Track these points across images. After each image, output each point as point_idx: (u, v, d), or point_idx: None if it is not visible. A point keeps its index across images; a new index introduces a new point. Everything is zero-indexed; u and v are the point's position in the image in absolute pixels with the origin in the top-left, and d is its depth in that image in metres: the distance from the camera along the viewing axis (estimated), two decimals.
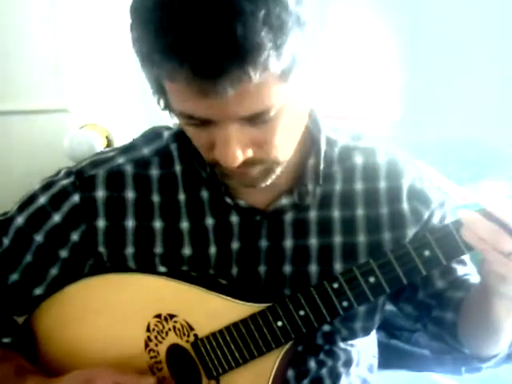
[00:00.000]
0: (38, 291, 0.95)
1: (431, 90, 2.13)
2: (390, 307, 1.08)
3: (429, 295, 0.96)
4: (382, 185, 0.94)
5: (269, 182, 0.84)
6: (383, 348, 1.17)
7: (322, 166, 0.91)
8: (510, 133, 2.03)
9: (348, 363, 1.01)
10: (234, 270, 0.92)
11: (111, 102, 1.72)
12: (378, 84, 2.17)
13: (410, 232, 0.94)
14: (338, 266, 0.92)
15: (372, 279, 0.83)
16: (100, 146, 1.61)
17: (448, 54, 2.09)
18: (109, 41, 1.68)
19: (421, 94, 2.13)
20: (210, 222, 0.92)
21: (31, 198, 0.94)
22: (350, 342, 1.00)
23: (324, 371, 0.98)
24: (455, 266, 0.96)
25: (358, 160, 0.95)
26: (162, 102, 0.78)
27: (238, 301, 0.89)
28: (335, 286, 0.84)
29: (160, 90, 0.76)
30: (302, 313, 0.86)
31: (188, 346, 0.91)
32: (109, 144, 1.66)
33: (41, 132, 1.72)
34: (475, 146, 2.08)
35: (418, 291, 0.97)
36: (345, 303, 0.84)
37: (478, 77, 2.08)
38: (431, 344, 1.00)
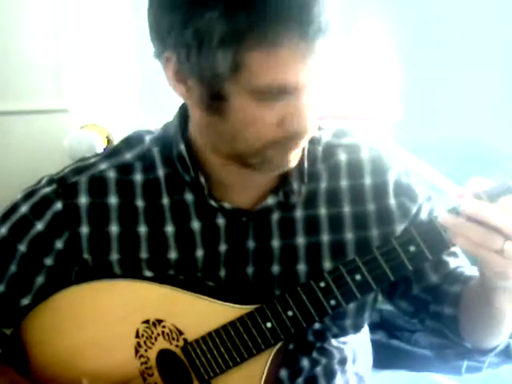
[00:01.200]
0: (26, 301, 0.95)
1: (431, 90, 2.13)
2: (389, 307, 1.08)
3: (423, 290, 0.96)
4: (368, 181, 0.94)
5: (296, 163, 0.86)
6: (383, 348, 1.17)
7: (306, 165, 0.91)
8: (510, 133, 2.03)
9: (343, 361, 1.01)
10: (222, 273, 0.92)
11: (111, 102, 1.72)
12: (379, 84, 2.17)
13: (398, 228, 0.94)
14: (326, 265, 0.92)
15: (358, 277, 0.83)
16: (100, 146, 1.60)
17: (448, 54, 2.09)
18: (109, 41, 1.68)
19: (421, 95, 2.13)
20: (195, 225, 0.92)
21: (13, 208, 0.94)
22: (342, 340, 1.00)
23: (318, 369, 0.98)
24: (447, 258, 0.95)
25: (342, 157, 0.94)
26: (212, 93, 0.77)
27: (226, 303, 0.89)
28: (322, 284, 0.84)
29: (228, 74, 0.75)
30: (290, 313, 0.86)
31: (178, 351, 0.91)
32: (109, 144, 1.66)
33: (41, 132, 1.72)
34: (475, 146, 2.08)
35: (412, 286, 0.96)
36: (332, 302, 0.84)
37: (478, 77, 2.08)
38: (431, 340, 0.99)
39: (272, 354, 0.89)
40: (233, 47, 0.72)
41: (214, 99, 0.78)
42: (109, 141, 1.67)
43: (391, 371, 1.55)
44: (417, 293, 0.97)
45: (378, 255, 0.82)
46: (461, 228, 0.74)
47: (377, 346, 1.14)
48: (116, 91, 1.72)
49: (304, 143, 0.85)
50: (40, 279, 0.94)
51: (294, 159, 0.84)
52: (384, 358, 1.20)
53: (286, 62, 0.73)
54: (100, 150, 1.57)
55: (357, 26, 2.04)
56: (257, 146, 0.81)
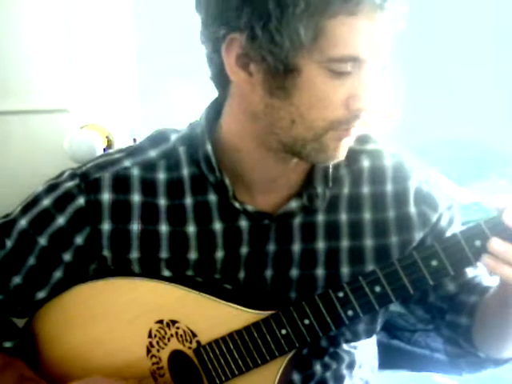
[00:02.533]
0: (41, 294, 0.95)
1: (431, 90, 2.13)
2: (390, 308, 1.07)
3: (440, 298, 0.96)
4: (389, 188, 0.93)
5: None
6: (384, 348, 1.17)
7: (331, 169, 0.91)
8: (510, 133, 2.03)
9: (351, 365, 1.01)
10: (241, 275, 0.92)
11: (111, 102, 1.71)
12: (379, 84, 2.17)
13: (418, 236, 0.93)
14: (345, 270, 0.92)
15: (378, 288, 0.82)
16: (100, 146, 1.60)
17: (448, 54, 2.09)
18: (109, 41, 1.68)
19: (421, 95, 2.12)
20: (217, 226, 0.91)
21: (35, 200, 0.93)
22: (353, 344, 1.00)
23: (328, 374, 0.98)
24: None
25: (365, 163, 0.94)
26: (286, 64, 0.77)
27: (241, 308, 0.88)
28: (340, 294, 0.84)
29: (307, 43, 0.75)
30: (306, 321, 0.85)
31: (190, 353, 0.91)
32: (109, 144, 1.65)
33: (41, 132, 1.71)
34: (475, 146, 2.08)
35: (429, 294, 0.96)
36: (350, 312, 0.84)
37: (478, 77, 2.08)
38: (446, 348, 0.99)
39: (285, 362, 0.88)
40: (318, 13, 0.73)
41: (286, 74, 0.77)
42: (109, 141, 1.66)
43: (391, 371, 1.55)
44: (433, 300, 0.96)
45: (398, 268, 0.81)
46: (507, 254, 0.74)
47: (377, 346, 1.14)
48: (116, 91, 1.71)
49: (356, 133, 0.84)
50: (58, 274, 0.94)
51: (343, 150, 0.84)
52: (384, 358, 1.20)
53: (362, 32, 0.74)
54: (100, 150, 1.56)
55: None
56: (319, 128, 0.80)
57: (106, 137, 1.66)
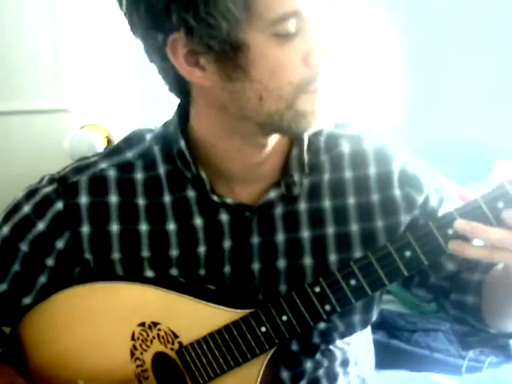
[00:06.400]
0: (27, 300, 0.95)
1: (432, 90, 2.13)
2: (389, 307, 1.07)
3: (441, 278, 0.95)
4: (372, 171, 0.93)
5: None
6: (383, 348, 1.17)
7: (305, 155, 0.91)
8: (510, 133, 2.03)
9: (345, 363, 1.00)
10: (227, 269, 0.92)
11: (111, 102, 1.72)
12: (380, 84, 2.17)
13: (404, 219, 0.93)
14: (332, 257, 0.92)
15: (353, 282, 0.82)
16: (100, 146, 1.60)
17: (449, 54, 2.09)
18: (109, 41, 1.68)
19: (422, 95, 2.12)
20: (198, 221, 0.91)
21: (15, 207, 0.94)
22: (346, 340, 0.99)
23: (320, 372, 0.97)
24: None
25: (345, 148, 0.94)
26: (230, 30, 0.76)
27: (222, 307, 0.88)
28: (317, 289, 0.84)
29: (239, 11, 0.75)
30: (284, 318, 0.86)
31: (173, 354, 0.91)
32: (109, 144, 1.66)
33: (41, 132, 1.71)
34: (475, 146, 2.08)
35: (430, 276, 0.96)
36: (327, 307, 0.84)
37: (478, 77, 2.08)
38: (453, 327, 0.99)
39: (267, 359, 0.88)
40: None
41: (235, 55, 0.77)
42: (109, 141, 1.67)
43: (391, 371, 1.55)
44: (434, 282, 0.96)
45: (373, 260, 0.81)
46: (488, 233, 0.74)
47: (377, 346, 1.14)
48: (116, 91, 1.71)
49: (329, 92, 0.83)
50: (42, 279, 0.94)
51: (324, 111, 0.83)
52: (384, 357, 1.20)
53: None
54: (100, 150, 1.57)
55: (359, 25, 2.04)
56: (288, 94, 0.79)
57: (106, 137, 1.66)
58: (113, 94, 1.71)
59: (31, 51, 1.67)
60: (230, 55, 0.77)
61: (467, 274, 0.94)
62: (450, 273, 0.95)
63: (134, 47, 1.68)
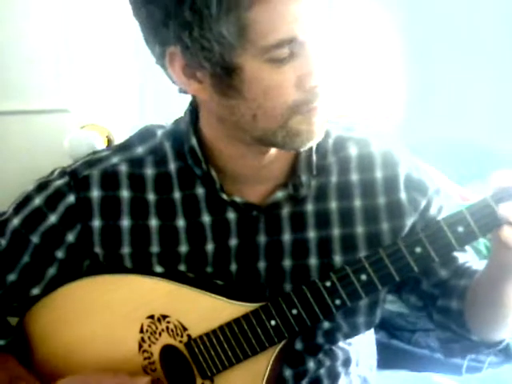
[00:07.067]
0: (36, 291, 0.95)
1: (432, 90, 2.13)
2: (390, 307, 1.07)
3: (433, 285, 0.96)
4: (379, 174, 0.94)
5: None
6: (384, 348, 1.17)
7: (314, 157, 0.91)
8: (510, 133, 2.03)
9: (347, 362, 1.01)
10: (233, 267, 0.92)
11: (111, 102, 1.72)
12: (380, 84, 2.17)
13: (408, 221, 0.94)
14: (337, 259, 0.92)
15: (364, 277, 0.83)
16: (100, 146, 1.60)
17: (449, 54, 2.09)
18: (109, 41, 1.68)
19: (422, 95, 2.13)
20: (206, 219, 0.92)
21: (26, 199, 0.94)
22: (348, 341, 1.00)
23: (322, 371, 0.98)
24: (456, 253, 0.95)
25: (353, 151, 0.95)
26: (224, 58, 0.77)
27: (231, 301, 0.89)
28: (328, 284, 0.84)
29: (235, 40, 0.75)
30: (294, 312, 0.86)
31: (181, 347, 0.91)
32: (109, 144, 1.66)
33: (41, 132, 1.72)
34: (475, 146, 2.08)
35: (422, 282, 0.96)
36: (337, 301, 0.84)
37: (478, 77, 2.08)
38: (438, 335, 0.99)
39: (275, 353, 0.89)
40: (233, 9, 0.73)
41: (229, 76, 0.78)
42: (109, 141, 1.67)
43: (391, 371, 1.55)
44: (426, 288, 0.97)
45: (384, 256, 0.82)
46: None
47: (377, 346, 1.14)
48: (116, 91, 1.72)
49: (325, 110, 0.84)
50: (51, 271, 0.94)
51: (319, 129, 0.84)
52: (384, 358, 1.20)
53: (285, 14, 0.74)
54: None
55: (359, 25, 2.04)
56: (280, 115, 0.80)
57: (106, 137, 1.67)
58: (113, 94, 1.72)
59: (31, 51, 1.67)
60: (224, 76, 0.78)
61: (455, 280, 0.95)
62: (441, 279, 0.96)
63: (133, 48, 1.68)
